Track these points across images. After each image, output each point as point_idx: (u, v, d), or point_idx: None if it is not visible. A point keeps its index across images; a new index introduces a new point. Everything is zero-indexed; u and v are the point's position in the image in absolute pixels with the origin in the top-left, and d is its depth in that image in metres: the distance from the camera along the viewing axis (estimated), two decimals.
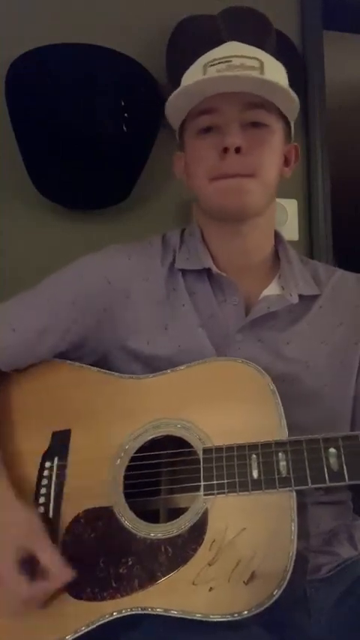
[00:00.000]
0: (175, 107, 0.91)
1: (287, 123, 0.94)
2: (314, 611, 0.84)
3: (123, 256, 0.97)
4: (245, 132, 0.88)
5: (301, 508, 0.75)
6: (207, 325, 0.92)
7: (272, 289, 0.96)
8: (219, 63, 0.87)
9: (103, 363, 0.95)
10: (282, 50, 1.49)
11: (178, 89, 0.88)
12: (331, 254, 1.64)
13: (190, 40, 1.45)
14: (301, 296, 0.94)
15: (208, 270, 0.94)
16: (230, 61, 0.87)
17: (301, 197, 1.64)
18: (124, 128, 1.43)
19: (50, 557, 0.76)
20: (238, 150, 0.86)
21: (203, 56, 0.92)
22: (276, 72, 0.91)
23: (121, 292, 0.94)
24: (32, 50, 1.43)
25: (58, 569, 0.76)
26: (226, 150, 0.87)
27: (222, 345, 0.91)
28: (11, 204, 1.48)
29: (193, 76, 0.90)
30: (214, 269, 0.94)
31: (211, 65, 0.88)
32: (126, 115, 1.43)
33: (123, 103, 1.43)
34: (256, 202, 0.90)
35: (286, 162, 0.97)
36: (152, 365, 0.91)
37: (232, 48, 0.91)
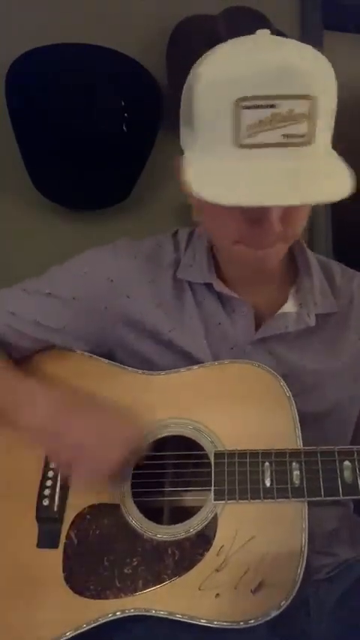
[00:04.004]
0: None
1: None
2: (315, 612, 0.84)
3: (129, 256, 0.94)
4: None
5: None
6: (213, 334, 0.89)
7: (290, 306, 0.90)
8: (258, 107, 0.65)
9: (109, 358, 0.94)
10: None
11: (205, 187, 0.68)
12: (331, 254, 1.64)
13: (190, 40, 1.44)
14: (317, 314, 0.90)
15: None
16: (273, 106, 0.65)
17: None
18: (124, 128, 1.43)
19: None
20: None
21: (229, 70, 0.67)
22: (327, 117, 0.71)
23: (123, 292, 0.92)
24: (32, 50, 1.42)
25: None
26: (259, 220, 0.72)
27: (228, 356, 0.88)
28: (11, 204, 1.48)
29: (218, 113, 0.67)
30: (217, 287, 0.88)
31: (247, 108, 0.65)
32: (126, 115, 1.43)
33: (123, 103, 1.43)
34: (279, 260, 0.83)
35: None
36: (156, 366, 0.90)
37: (275, 77, 0.65)
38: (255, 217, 0.73)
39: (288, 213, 0.74)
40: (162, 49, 1.51)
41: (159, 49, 1.51)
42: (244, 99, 0.65)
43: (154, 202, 1.54)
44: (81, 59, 1.44)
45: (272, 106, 0.65)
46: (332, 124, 0.73)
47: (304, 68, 0.66)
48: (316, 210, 1.64)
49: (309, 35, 1.68)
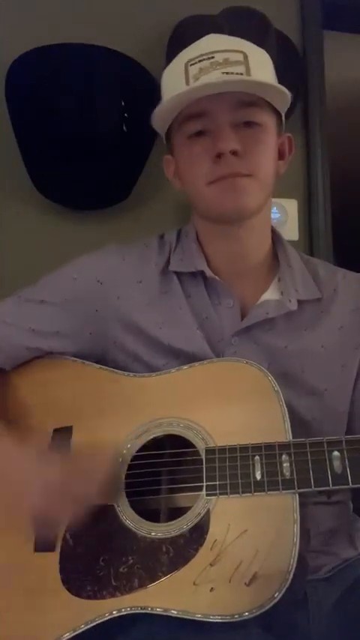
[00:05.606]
0: (160, 113, 0.88)
1: (279, 115, 0.91)
2: (314, 612, 0.84)
3: (117, 257, 0.96)
4: (238, 133, 0.84)
5: (302, 508, 0.75)
6: (203, 327, 0.91)
7: (271, 294, 0.94)
8: (200, 60, 0.84)
9: (103, 362, 0.95)
10: (282, 50, 1.49)
11: (163, 103, 0.86)
12: (331, 254, 1.64)
13: (190, 40, 1.44)
14: (300, 301, 0.93)
15: (202, 273, 0.93)
16: (213, 57, 0.83)
17: (301, 197, 1.64)
18: (124, 128, 1.43)
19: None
20: (233, 153, 0.84)
21: (183, 52, 0.88)
22: (261, 63, 0.87)
23: (113, 293, 0.94)
24: (32, 50, 1.43)
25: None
26: (219, 155, 0.84)
27: (218, 348, 0.90)
28: (11, 204, 1.48)
29: (174, 76, 0.87)
30: (208, 272, 0.92)
31: (193, 64, 0.84)
32: (126, 115, 1.43)
33: (123, 103, 1.43)
34: (254, 201, 0.87)
35: (281, 155, 0.94)
36: (150, 365, 0.91)
37: (213, 42, 0.87)
38: (216, 153, 0.84)
39: (244, 143, 0.84)
40: (162, 49, 1.51)
41: (159, 49, 1.51)
42: (190, 60, 0.85)
43: (154, 202, 1.55)
44: (81, 59, 1.44)
45: (210, 57, 0.83)
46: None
47: (234, 39, 0.88)
48: (316, 211, 1.65)
49: (309, 35, 1.68)
